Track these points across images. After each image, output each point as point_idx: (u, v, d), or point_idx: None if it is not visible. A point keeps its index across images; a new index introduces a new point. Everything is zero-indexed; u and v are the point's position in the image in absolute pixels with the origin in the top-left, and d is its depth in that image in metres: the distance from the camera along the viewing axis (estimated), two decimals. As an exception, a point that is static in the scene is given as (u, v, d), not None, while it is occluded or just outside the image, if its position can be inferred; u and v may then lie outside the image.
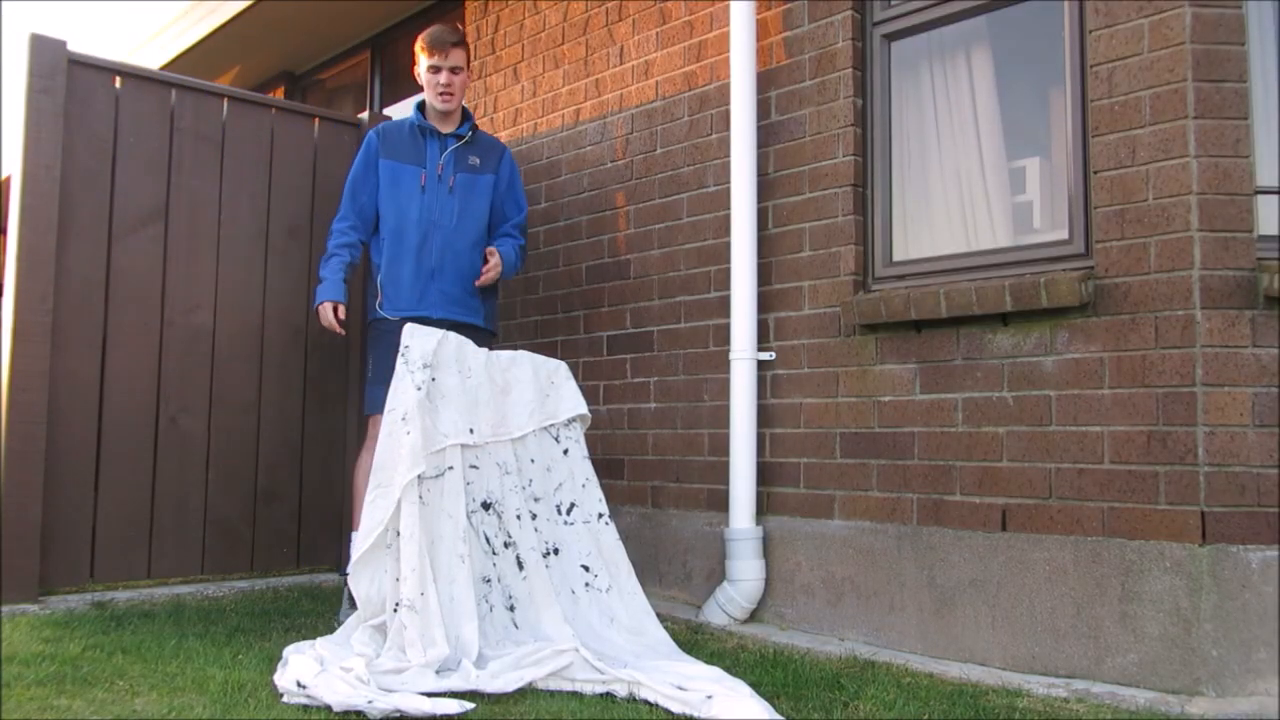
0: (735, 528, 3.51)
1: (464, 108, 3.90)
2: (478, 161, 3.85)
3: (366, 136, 3.83)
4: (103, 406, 3.68)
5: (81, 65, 3.67)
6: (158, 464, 3.80)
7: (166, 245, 3.86)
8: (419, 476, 2.87)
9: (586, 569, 3.15)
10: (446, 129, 3.81)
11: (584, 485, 3.27)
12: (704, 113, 3.93)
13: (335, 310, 3.64)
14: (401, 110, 5.16)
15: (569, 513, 3.21)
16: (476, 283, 3.76)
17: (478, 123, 5.03)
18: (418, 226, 3.70)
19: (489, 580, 2.98)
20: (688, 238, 3.95)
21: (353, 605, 3.20)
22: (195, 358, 3.91)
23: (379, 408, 3.41)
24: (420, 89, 3.88)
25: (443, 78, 3.76)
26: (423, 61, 3.79)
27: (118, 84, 3.78)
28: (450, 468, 2.96)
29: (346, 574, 3.39)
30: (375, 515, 2.87)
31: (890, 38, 3.45)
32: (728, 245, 3.67)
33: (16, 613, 3.27)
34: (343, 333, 3.69)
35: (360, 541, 2.87)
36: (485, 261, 3.77)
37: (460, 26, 3.84)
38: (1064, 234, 2.98)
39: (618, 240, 4.25)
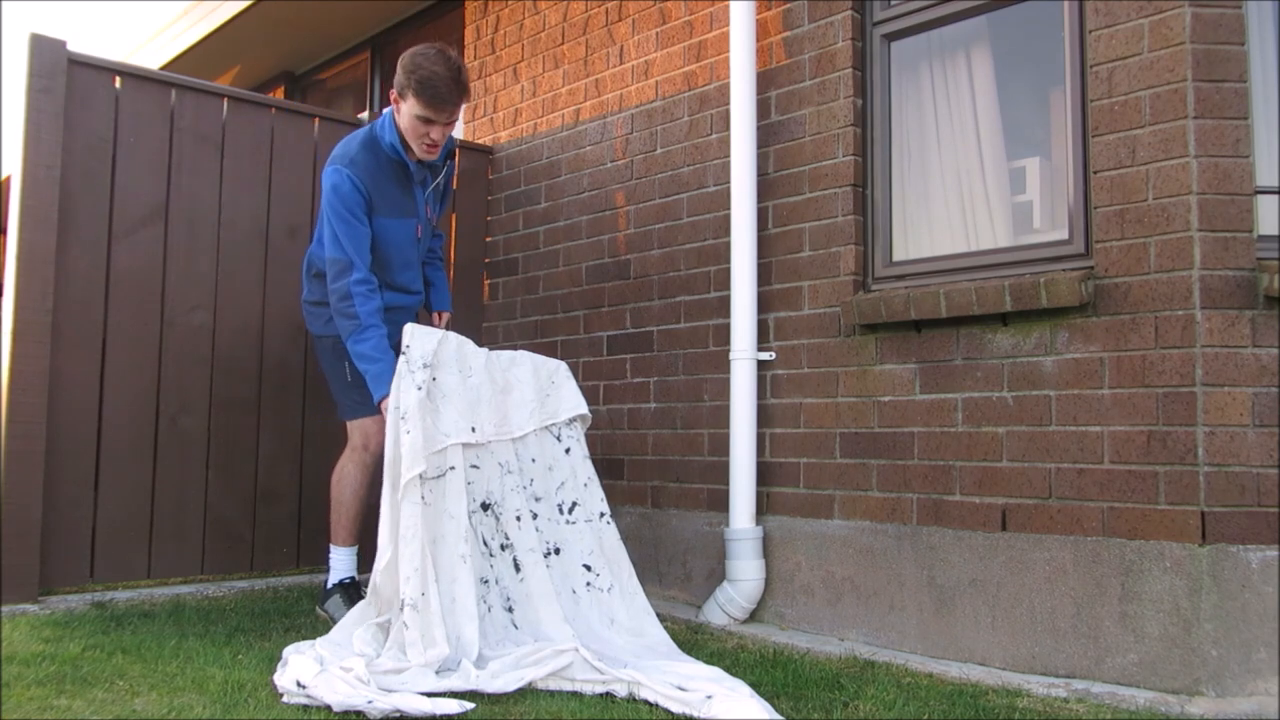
0: (735, 528, 3.51)
1: None
2: (440, 181, 3.62)
3: (343, 177, 3.25)
4: (103, 406, 3.68)
5: (81, 65, 3.66)
6: (157, 464, 3.80)
7: (166, 245, 3.86)
8: (421, 476, 2.87)
9: (588, 568, 3.15)
10: (416, 156, 3.40)
11: (586, 484, 3.27)
12: (704, 113, 3.93)
13: None
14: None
15: (571, 511, 3.21)
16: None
17: (477, 123, 5.04)
18: (410, 266, 3.51)
19: (486, 581, 2.98)
20: (688, 238, 3.95)
21: (350, 604, 3.20)
22: (195, 358, 3.91)
23: (371, 409, 3.35)
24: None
25: (434, 133, 3.29)
26: (414, 106, 3.23)
27: (118, 84, 3.77)
28: (452, 467, 2.96)
29: (332, 586, 3.40)
30: (392, 514, 2.87)
31: (890, 38, 3.45)
32: (728, 245, 3.67)
33: (16, 613, 3.26)
34: None
35: (384, 539, 2.85)
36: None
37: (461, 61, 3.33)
38: (1064, 234, 2.98)
39: (618, 240, 4.24)
